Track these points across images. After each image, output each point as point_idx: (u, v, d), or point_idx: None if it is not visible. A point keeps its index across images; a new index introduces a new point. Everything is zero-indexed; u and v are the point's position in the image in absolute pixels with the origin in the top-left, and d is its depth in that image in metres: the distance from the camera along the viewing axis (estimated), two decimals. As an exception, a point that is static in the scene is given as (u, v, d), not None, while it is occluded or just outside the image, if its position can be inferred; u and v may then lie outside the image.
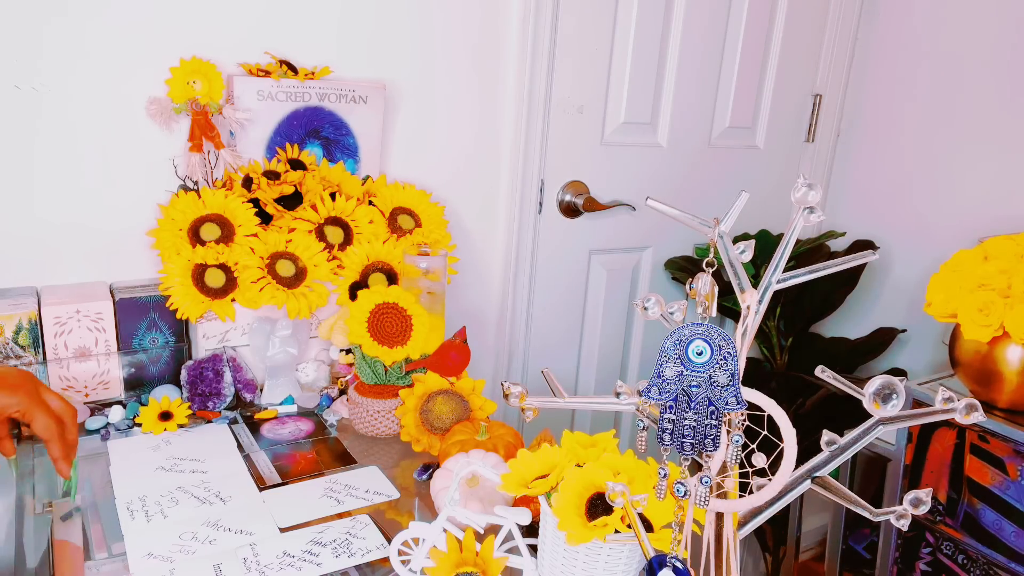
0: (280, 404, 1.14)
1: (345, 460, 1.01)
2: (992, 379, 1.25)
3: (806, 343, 1.87)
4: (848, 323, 1.95)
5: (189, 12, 1.15)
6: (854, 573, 1.71)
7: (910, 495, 0.56)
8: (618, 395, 0.65)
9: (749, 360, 1.84)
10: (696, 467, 0.56)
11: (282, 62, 1.20)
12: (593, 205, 1.62)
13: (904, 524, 0.57)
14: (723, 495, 0.62)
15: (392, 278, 1.20)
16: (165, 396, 1.08)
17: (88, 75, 1.10)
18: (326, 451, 1.03)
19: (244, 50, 1.20)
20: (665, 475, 0.56)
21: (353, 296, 1.15)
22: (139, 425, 1.04)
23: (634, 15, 1.57)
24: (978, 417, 0.54)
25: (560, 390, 0.69)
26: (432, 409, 1.01)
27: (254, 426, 1.08)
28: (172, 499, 0.88)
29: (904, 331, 1.80)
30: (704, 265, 0.58)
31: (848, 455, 0.59)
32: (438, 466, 0.91)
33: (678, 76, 1.67)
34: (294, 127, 1.24)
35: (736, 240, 0.63)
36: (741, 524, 0.62)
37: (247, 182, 1.17)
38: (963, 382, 1.33)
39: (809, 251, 1.78)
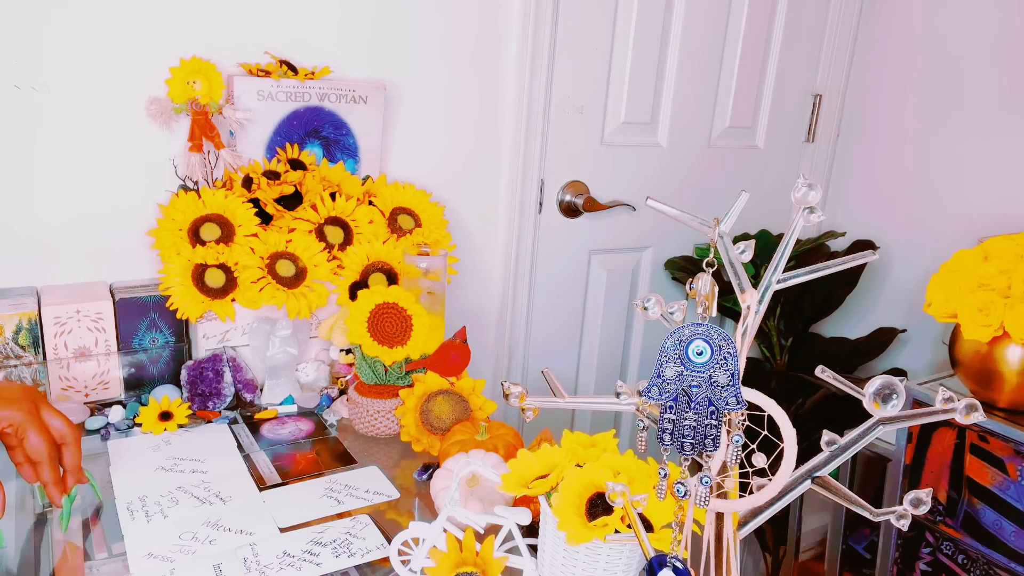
0: (280, 404, 1.14)
1: (345, 460, 1.01)
2: (992, 379, 1.25)
3: (806, 343, 1.87)
4: (848, 323, 1.95)
5: (189, 12, 1.15)
6: (854, 573, 1.71)
7: (910, 495, 0.56)
8: (618, 395, 0.65)
9: (749, 360, 1.84)
10: (696, 467, 0.56)
11: (282, 62, 1.20)
12: (593, 205, 1.62)
13: (904, 524, 0.57)
14: (723, 495, 0.62)
15: (392, 278, 1.20)
16: (165, 396, 1.08)
17: (88, 75, 1.10)
18: (326, 451, 1.03)
19: (244, 50, 1.20)
20: (665, 475, 0.56)
21: (353, 296, 1.15)
22: (139, 425, 1.04)
23: (634, 15, 1.57)
24: (978, 417, 0.54)
25: (560, 390, 0.69)
26: (432, 409, 1.01)
27: (254, 426, 1.08)
28: (172, 499, 0.88)
29: (904, 331, 1.80)
30: (704, 265, 0.57)
31: (848, 455, 0.59)
32: (438, 466, 0.91)
33: (678, 76, 1.67)
34: (294, 127, 1.24)
35: (736, 240, 0.63)
36: (741, 524, 0.62)
37: (247, 182, 1.17)
38: (963, 382, 1.33)
39: (809, 251, 1.78)
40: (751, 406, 0.58)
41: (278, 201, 1.16)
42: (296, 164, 1.24)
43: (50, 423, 0.76)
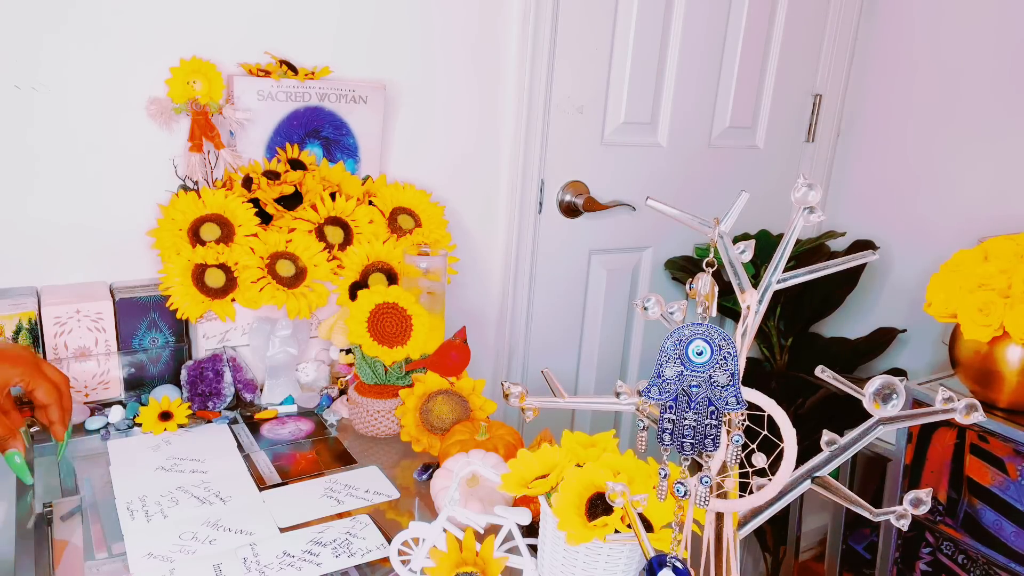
0: (280, 404, 1.14)
1: (345, 460, 1.01)
2: (992, 379, 1.25)
3: (806, 343, 1.87)
4: (848, 323, 1.95)
5: (189, 12, 1.15)
6: (854, 573, 1.71)
7: (910, 495, 0.56)
8: (618, 395, 0.65)
9: (749, 360, 1.84)
10: (696, 467, 0.56)
11: (282, 62, 1.20)
12: (593, 205, 1.62)
13: (904, 524, 0.57)
14: (723, 495, 0.62)
15: (392, 278, 1.20)
16: (165, 396, 1.08)
17: (88, 75, 1.10)
18: (326, 451, 1.03)
19: (244, 50, 1.20)
20: (665, 475, 0.56)
21: (353, 296, 1.15)
22: (139, 425, 1.04)
23: (634, 15, 1.57)
24: (978, 417, 0.54)
25: (560, 390, 0.69)
26: (432, 409, 1.01)
27: (254, 426, 1.08)
28: (172, 499, 0.88)
29: (904, 331, 1.80)
30: (704, 265, 0.57)
31: (848, 455, 0.59)
32: (438, 466, 0.91)
33: (678, 76, 1.67)
34: (294, 127, 1.24)
35: (736, 240, 0.63)
36: (741, 524, 0.62)
37: (247, 182, 1.17)
38: (963, 382, 1.33)
39: (809, 251, 1.78)
40: (751, 406, 0.58)
41: (278, 201, 1.16)
42: (296, 164, 1.24)
43: (48, 373, 0.89)
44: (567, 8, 1.48)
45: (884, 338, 1.80)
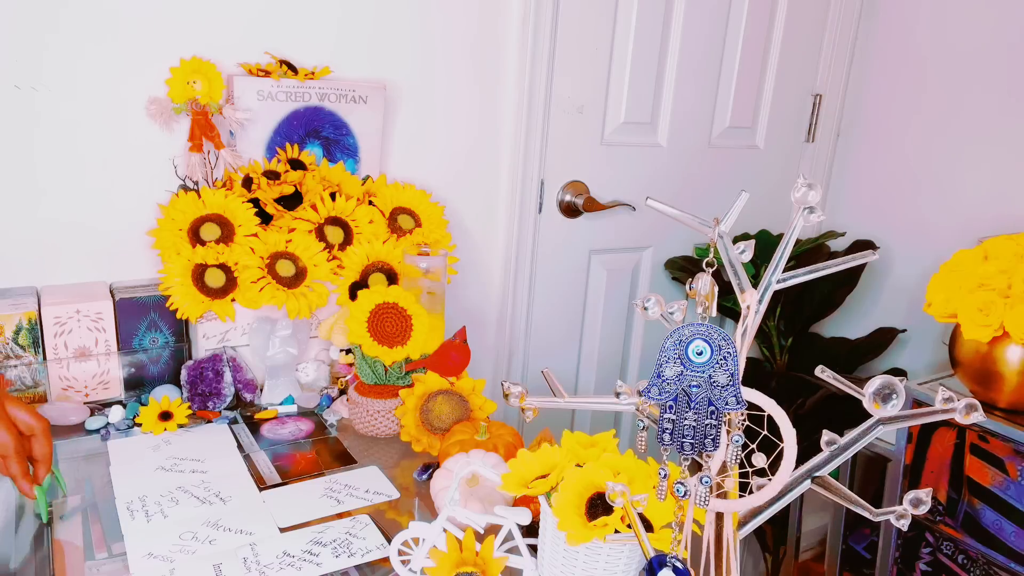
0: (280, 404, 1.14)
1: (345, 460, 1.01)
2: (992, 379, 1.25)
3: (806, 343, 1.87)
4: (848, 323, 1.95)
5: (189, 12, 1.15)
6: (854, 573, 1.70)
7: (910, 495, 0.56)
8: (618, 395, 0.65)
9: (749, 360, 1.84)
10: (696, 467, 0.56)
11: (282, 62, 1.20)
12: (593, 205, 1.62)
13: (904, 524, 0.57)
14: (723, 495, 0.62)
15: (392, 278, 1.20)
16: (165, 396, 1.08)
17: (88, 75, 1.10)
18: (326, 451, 1.03)
19: (244, 50, 1.20)
20: (665, 475, 0.56)
21: (353, 296, 1.15)
22: (139, 425, 1.04)
23: (634, 15, 1.57)
24: (978, 417, 0.54)
25: (560, 390, 0.69)
26: (432, 409, 1.01)
27: (254, 426, 1.08)
28: (172, 499, 0.88)
29: (904, 331, 1.80)
30: (704, 265, 0.57)
31: (848, 455, 0.59)
32: (438, 466, 0.91)
33: (678, 76, 1.67)
34: (294, 127, 1.24)
35: (736, 240, 0.63)
36: (741, 524, 0.62)
37: (247, 182, 1.17)
38: (963, 382, 1.33)
39: (809, 251, 1.78)
40: (751, 406, 0.58)
41: (278, 201, 1.16)
42: (296, 164, 1.24)
43: (16, 416, 0.76)
44: (567, 8, 1.48)
45: (884, 338, 1.80)
